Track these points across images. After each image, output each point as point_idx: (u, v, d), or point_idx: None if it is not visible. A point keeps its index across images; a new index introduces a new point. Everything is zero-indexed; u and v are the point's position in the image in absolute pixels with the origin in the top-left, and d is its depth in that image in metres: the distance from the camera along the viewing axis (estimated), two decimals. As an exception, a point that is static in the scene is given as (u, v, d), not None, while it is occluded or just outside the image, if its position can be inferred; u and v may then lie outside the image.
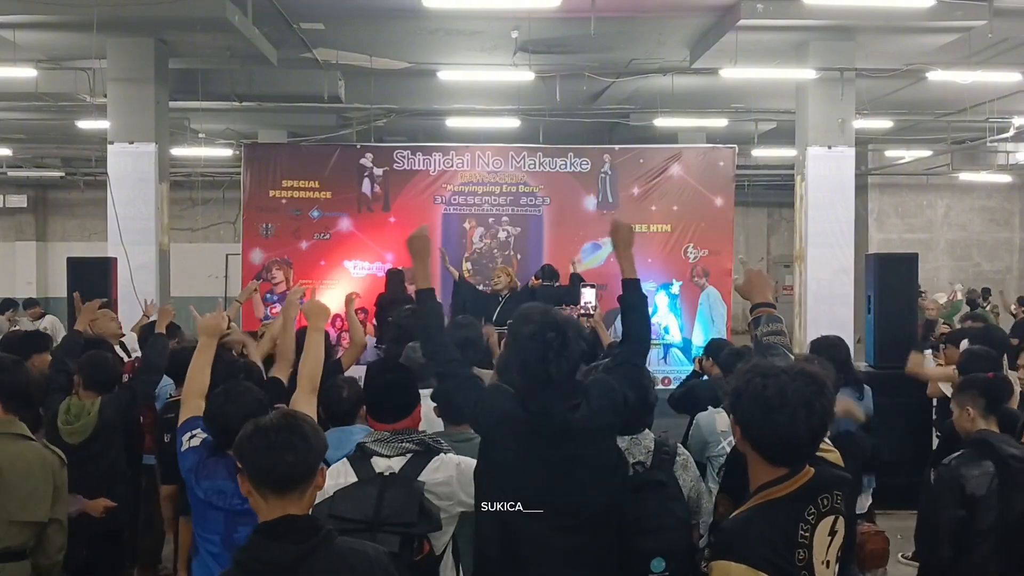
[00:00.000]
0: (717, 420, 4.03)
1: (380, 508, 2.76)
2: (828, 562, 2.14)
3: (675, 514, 2.86)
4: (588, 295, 6.52)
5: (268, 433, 2.19)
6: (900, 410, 6.53)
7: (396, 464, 2.94)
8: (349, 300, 5.71)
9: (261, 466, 2.16)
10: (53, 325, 11.27)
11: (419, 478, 2.90)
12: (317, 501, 2.67)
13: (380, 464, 2.94)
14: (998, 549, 3.36)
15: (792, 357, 2.68)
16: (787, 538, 2.10)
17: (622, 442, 3.04)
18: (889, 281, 7.79)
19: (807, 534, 2.11)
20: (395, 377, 3.18)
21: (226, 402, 3.19)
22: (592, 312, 6.32)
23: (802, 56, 10.12)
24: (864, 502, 5.03)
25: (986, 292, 14.74)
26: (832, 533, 2.16)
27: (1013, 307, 12.02)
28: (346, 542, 2.24)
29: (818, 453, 2.37)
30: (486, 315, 8.84)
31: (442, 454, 2.99)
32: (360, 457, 2.98)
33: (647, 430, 3.11)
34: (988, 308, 12.89)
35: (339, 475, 2.94)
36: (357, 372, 5.31)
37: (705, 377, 5.30)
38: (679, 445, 3.14)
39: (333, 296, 10.79)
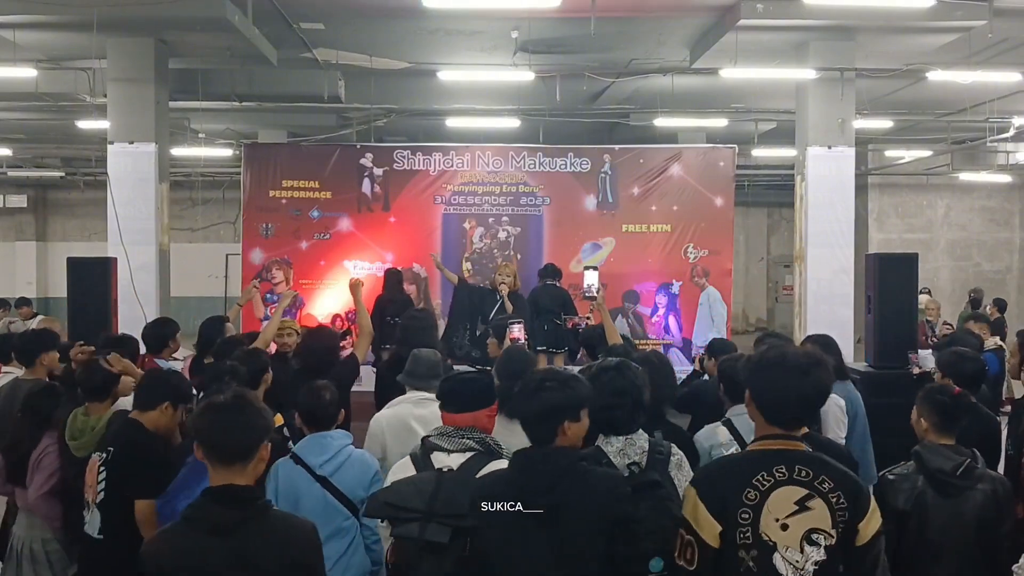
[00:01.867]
0: (717, 433, 4.04)
1: (434, 500, 2.81)
2: (787, 526, 2.39)
3: (671, 514, 2.85)
4: (590, 277, 6.40)
5: (218, 411, 2.55)
6: (898, 410, 6.50)
7: (455, 461, 2.99)
8: (355, 286, 6.03)
9: (208, 439, 2.52)
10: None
11: (477, 476, 2.94)
12: (375, 489, 3.02)
13: (440, 460, 3.01)
14: (943, 564, 3.30)
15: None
16: (743, 478, 2.44)
17: (617, 442, 3.04)
18: (889, 281, 7.77)
19: (765, 482, 2.42)
20: (475, 375, 3.38)
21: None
22: (596, 295, 6.19)
23: (802, 56, 10.11)
24: None
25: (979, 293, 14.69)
26: (802, 506, 2.40)
27: (989, 308, 12.01)
28: (280, 514, 2.58)
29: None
30: (482, 314, 8.83)
31: (502, 460, 3.01)
32: (422, 454, 3.08)
33: (641, 430, 3.10)
34: (987, 310, 12.86)
35: (401, 471, 3.06)
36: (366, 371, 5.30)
37: (706, 377, 5.28)
38: (673, 445, 3.13)
39: (333, 295, 10.82)
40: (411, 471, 3.03)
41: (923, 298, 11.13)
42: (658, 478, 2.91)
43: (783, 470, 2.43)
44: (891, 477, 3.45)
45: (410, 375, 4.25)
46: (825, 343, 5.17)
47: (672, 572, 2.75)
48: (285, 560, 2.44)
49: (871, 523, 2.47)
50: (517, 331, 5.07)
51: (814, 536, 2.39)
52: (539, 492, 2.67)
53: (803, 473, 2.43)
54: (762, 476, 2.42)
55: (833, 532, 2.40)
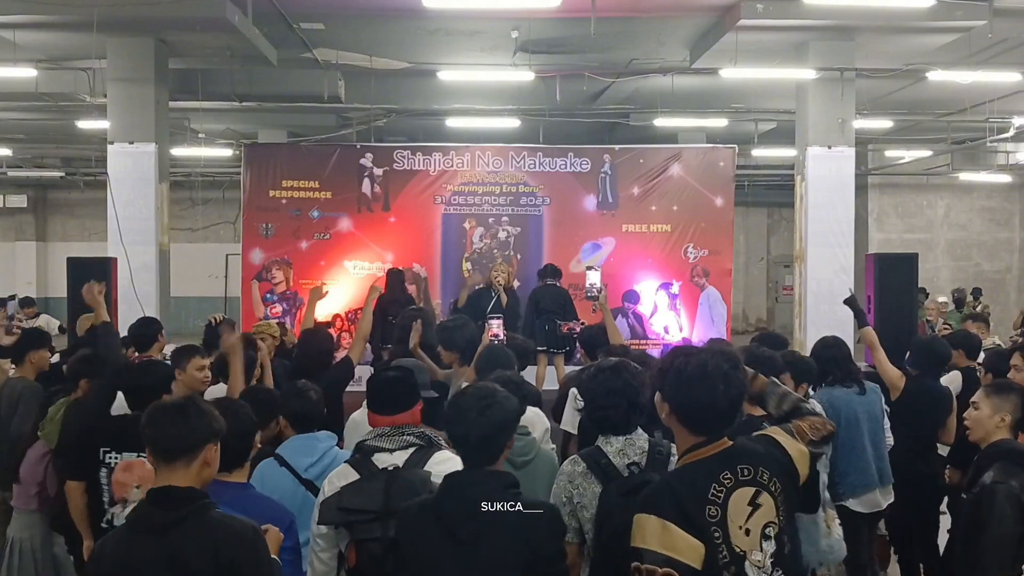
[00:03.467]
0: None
1: (389, 499, 2.82)
2: (749, 530, 2.35)
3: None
4: (592, 276, 6.43)
5: (162, 411, 2.61)
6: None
7: (399, 458, 2.97)
8: (373, 288, 5.84)
9: (149, 437, 2.57)
10: (47, 324, 11.26)
11: (424, 469, 2.94)
12: (325, 498, 2.91)
13: (383, 460, 2.98)
14: None
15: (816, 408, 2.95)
16: (699, 495, 2.33)
17: (617, 442, 3.03)
18: (889, 281, 7.80)
19: (720, 494, 2.34)
20: (398, 373, 3.28)
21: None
22: (597, 294, 6.19)
23: (802, 56, 10.12)
24: (883, 499, 5.01)
25: (977, 292, 14.73)
26: (754, 505, 2.37)
27: None
28: (220, 515, 2.55)
29: (769, 434, 2.56)
30: (480, 310, 8.85)
31: (444, 450, 3.01)
32: (361, 458, 3.02)
33: (640, 430, 3.09)
34: (980, 308, 12.90)
35: (342, 477, 2.98)
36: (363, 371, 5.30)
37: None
38: (672, 445, 3.13)
39: (333, 295, 10.80)
40: (353, 477, 2.98)
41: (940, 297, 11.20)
42: (657, 479, 2.91)
43: (729, 476, 2.37)
44: (1009, 479, 3.37)
45: None
46: (829, 345, 5.16)
47: None
48: (221, 561, 2.44)
49: (802, 462, 2.47)
50: (496, 327, 4.98)
51: (767, 530, 2.39)
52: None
53: (745, 472, 2.39)
54: (715, 488, 2.34)
55: (778, 520, 2.39)
